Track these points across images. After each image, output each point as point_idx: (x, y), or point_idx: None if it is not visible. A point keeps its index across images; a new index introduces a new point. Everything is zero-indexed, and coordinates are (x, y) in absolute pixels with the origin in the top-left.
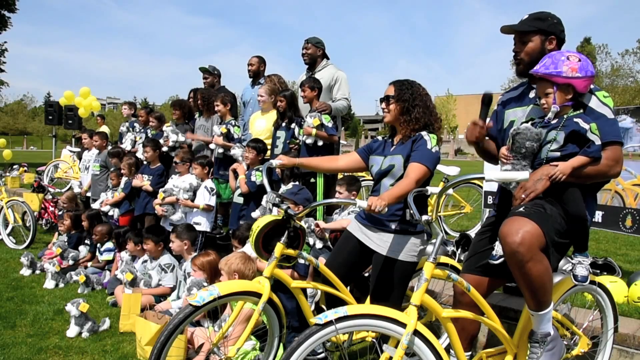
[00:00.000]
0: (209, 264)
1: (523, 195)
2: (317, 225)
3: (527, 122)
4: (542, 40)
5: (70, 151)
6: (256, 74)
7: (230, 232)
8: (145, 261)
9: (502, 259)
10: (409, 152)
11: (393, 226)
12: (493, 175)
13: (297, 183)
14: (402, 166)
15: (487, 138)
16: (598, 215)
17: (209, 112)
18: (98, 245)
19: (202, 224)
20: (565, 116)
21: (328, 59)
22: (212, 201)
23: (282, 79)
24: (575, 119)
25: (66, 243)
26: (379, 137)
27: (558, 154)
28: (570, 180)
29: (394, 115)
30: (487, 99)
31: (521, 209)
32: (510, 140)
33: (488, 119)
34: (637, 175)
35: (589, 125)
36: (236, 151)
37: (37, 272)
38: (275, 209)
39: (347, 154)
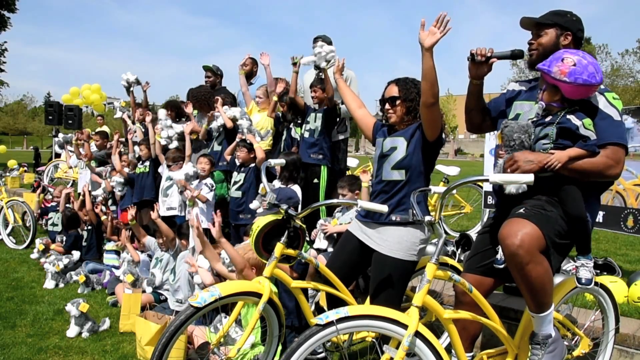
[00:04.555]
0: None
1: (508, 169)
2: (323, 226)
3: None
4: (558, 34)
5: (71, 151)
6: (249, 75)
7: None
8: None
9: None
10: (412, 132)
11: (393, 217)
12: (497, 177)
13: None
14: (405, 148)
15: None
16: (599, 215)
17: (202, 111)
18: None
19: (203, 221)
20: (559, 114)
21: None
22: (211, 196)
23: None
24: (568, 116)
25: (62, 242)
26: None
27: (551, 146)
28: (565, 173)
29: (399, 116)
30: (517, 53)
31: (521, 211)
32: (499, 135)
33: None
34: (638, 175)
35: (582, 121)
36: (243, 123)
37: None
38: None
39: (367, 113)
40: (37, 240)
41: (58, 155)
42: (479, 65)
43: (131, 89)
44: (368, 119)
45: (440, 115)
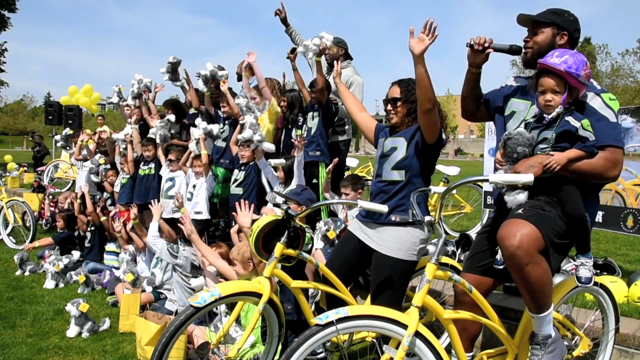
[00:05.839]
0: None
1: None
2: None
3: (523, 121)
4: (554, 33)
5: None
6: (241, 77)
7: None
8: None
9: None
10: (412, 133)
11: (393, 218)
12: (497, 177)
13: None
14: (405, 148)
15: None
16: (598, 216)
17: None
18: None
19: (203, 212)
20: (558, 116)
21: (351, 59)
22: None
23: (279, 84)
24: (566, 118)
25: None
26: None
27: (549, 149)
28: (565, 175)
29: (401, 117)
30: (515, 49)
31: (520, 211)
32: (502, 145)
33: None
34: (638, 175)
35: (580, 123)
36: (240, 101)
37: (27, 273)
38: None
39: (368, 116)
40: (16, 257)
41: (41, 157)
42: (477, 54)
43: (142, 94)
44: (369, 121)
45: (439, 119)
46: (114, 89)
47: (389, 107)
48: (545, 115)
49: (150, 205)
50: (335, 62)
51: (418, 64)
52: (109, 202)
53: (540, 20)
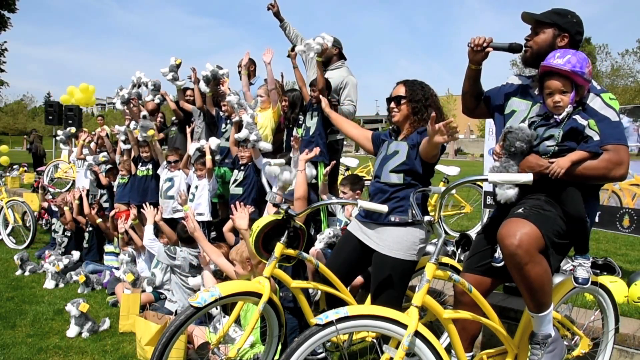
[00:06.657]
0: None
1: None
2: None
3: (523, 120)
4: (555, 34)
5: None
6: (247, 75)
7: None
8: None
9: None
10: (415, 140)
11: (392, 219)
12: (496, 177)
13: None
14: (406, 154)
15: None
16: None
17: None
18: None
19: (205, 214)
20: (566, 115)
21: (345, 59)
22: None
23: (280, 84)
24: (574, 116)
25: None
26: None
27: (555, 148)
28: (568, 179)
29: (403, 115)
30: (515, 47)
31: (520, 210)
32: (502, 138)
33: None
34: (635, 175)
35: (587, 122)
36: (231, 98)
37: (27, 273)
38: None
39: (362, 129)
40: (16, 257)
41: (36, 156)
42: (477, 52)
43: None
44: (365, 132)
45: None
46: (117, 92)
47: (392, 104)
48: (555, 116)
49: (142, 209)
50: (322, 97)
51: (435, 146)
52: (104, 198)
53: (542, 21)
